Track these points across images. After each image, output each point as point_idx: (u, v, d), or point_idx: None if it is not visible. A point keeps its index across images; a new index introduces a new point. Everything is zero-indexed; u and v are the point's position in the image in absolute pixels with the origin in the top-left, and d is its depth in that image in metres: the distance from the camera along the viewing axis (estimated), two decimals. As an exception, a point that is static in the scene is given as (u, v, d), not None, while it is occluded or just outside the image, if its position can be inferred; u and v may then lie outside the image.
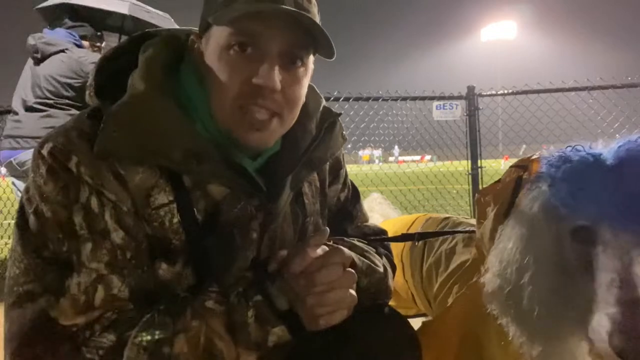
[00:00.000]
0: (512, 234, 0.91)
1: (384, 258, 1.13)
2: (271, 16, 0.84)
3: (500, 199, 1.03)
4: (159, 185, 0.85)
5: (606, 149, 0.84)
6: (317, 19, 0.89)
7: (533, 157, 1.02)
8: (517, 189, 0.99)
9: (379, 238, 1.18)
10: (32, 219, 0.81)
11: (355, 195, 1.22)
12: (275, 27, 0.85)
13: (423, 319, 1.38)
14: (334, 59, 0.91)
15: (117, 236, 0.81)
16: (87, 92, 0.92)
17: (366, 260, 1.02)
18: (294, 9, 0.84)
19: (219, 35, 0.87)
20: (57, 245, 0.79)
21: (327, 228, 0.92)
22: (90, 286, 0.78)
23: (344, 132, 1.12)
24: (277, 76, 0.86)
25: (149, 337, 0.76)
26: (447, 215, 1.62)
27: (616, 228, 0.76)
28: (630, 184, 0.76)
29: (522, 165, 1.04)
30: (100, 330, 0.77)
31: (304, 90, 0.94)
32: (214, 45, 0.88)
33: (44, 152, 0.81)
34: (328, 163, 1.11)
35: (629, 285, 0.73)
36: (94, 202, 0.81)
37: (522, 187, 0.97)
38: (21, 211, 0.83)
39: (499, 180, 1.13)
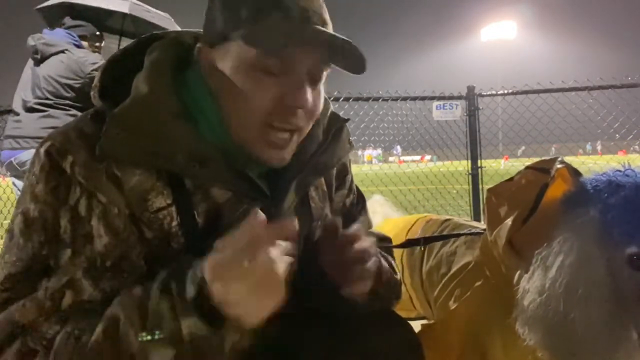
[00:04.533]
0: (556, 262, 0.87)
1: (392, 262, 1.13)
2: (310, 41, 0.83)
3: (520, 204, 1.00)
4: (156, 188, 0.84)
5: None
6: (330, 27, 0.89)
7: (558, 166, 1.00)
8: (541, 196, 0.97)
9: (385, 245, 1.17)
10: (18, 219, 0.80)
11: (360, 201, 1.21)
12: (310, 50, 0.84)
13: (423, 321, 1.38)
14: (363, 73, 0.89)
15: (100, 243, 0.79)
16: (92, 93, 0.91)
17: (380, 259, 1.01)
18: (337, 35, 0.83)
19: (242, 52, 0.83)
20: (38, 247, 0.77)
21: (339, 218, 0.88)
22: (57, 292, 0.76)
23: (350, 139, 1.11)
24: (309, 96, 0.86)
25: (80, 324, 0.74)
26: (448, 217, 1.62)
27: None
28: None
29: (542, 169, 1.03)
30: (52, 323, 0.75)
31: (322, 101, 0.94)
32: (236, 60, 0.84)
33: (42, 150, 0.81)
34: (335, 169, 1.10)
35: None
36: (82, 204, 0.79)
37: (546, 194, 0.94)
38: (14, 214, 0.82)
39: (511, 180, 1.11)
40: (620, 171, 0.88)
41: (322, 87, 0.92)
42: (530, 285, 0.91)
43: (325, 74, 0.90)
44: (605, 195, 0.85)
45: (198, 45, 0.91)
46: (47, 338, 0.75)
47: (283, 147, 0.89)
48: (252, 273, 0.68)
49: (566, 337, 0.85)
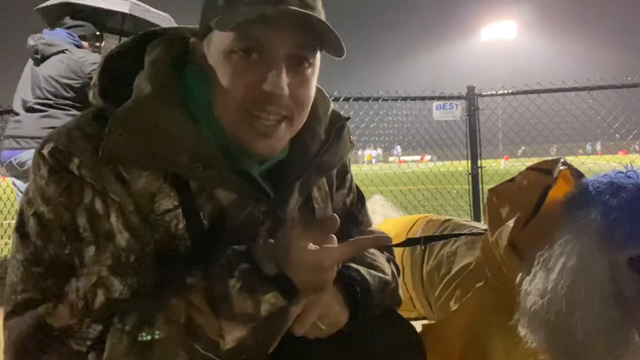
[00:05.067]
0: (557, 264, 0.87)
1: (391, 263, 1.12)
2: (277, 19, 0.80)
3: (522, 205, 0.99)
4: (163, 190, 0.83)
5: None
6: (323, 15, 0.86)
7: (560, 167, 0.99)
8: (543, 198, 0.96)
9: (385, 244, 1.17)
10: (32, 221, 0.79)
11: (360, 200, 1.21)
12: (281, 30, 0.81)
13: (424, 322, 1.37)
14: (343, 57, 0.86)
15: (122, 238, 0.79)
16: (90, 92, 0.90)
17: (377, 274, 1.01)
18: (300, 10, 0.80)
19: (221, 40, 0.83)
20: (59, 247, 0.77)
21: (336, 216, 0.85)
22: (89, 291, 0.76)
23: (351, 137, 1.10)
24: (284, 81, 0.82)
25: (130, 321, 0.74)
26: (448, 217, 1.62)
27: None
28: None
29: (545, 170, 1.02)
30: (89, 323, 0.75)
31: (312, 90, 0.91)
32: (216, 50, 0.84)
33: (45, 152, 0.79)
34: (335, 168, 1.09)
35: None
36: (98, 203, 0.78)
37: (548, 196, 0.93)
38: (21, 215, 0.81)
39: (512, 180, 1.10)
40: (622, 172, 0.87)
41: (311, 74, 0.88)
42: (532, 288, 0.90)
43: (312, 60, 0.87)
44: (607, 197, 0.84)
45: (192, 39, 0.91)
46: (91, 338, 0.74)
47: (269, 135, 0.86)
48: (320, 278, 0.79)
49: (568, 339, 0.84)
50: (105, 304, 0.76)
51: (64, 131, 0.82)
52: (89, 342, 0.74)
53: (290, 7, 0.80)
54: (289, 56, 0.83)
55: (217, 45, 0.84)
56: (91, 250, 0.77)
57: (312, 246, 0.78)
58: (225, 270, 0.77)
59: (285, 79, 0.83)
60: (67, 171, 0.78)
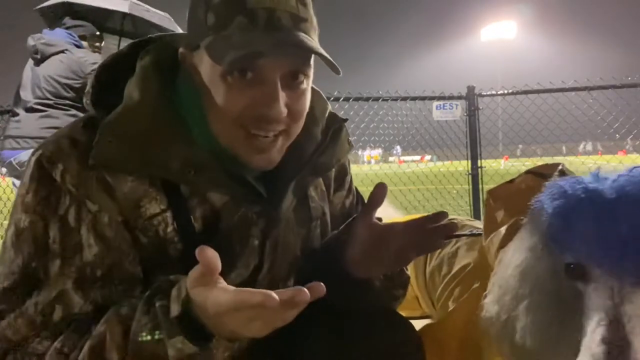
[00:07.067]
0: (512, 261, 0.88)
1: None
2: (270, 54, 0.78)
3: (517, 210, 0.98)
4: (149, 194, 0.83)
5: (609, 180, 0.78)
6: (314, 22, 0.84)
7: (557, 174, 0.98)
8: None
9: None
10: (10, 230, 0.80)
11: (360, 202, 1.20)
12: (275, 58, 0.79)
13: (428, 321, 1.37)
14: (340, 75, 0.85)
15: (90, 252, 0.78)
16: (84, 100, 0.90)
17: None
18: (294, 35, 0.78)
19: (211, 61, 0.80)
20: (27, 261, 0.77)
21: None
22: (47, 306, 0.76)
23: (350, 139, 1.09)
24: (282, 103, 0.81)
25: (67, 342, 0.74)
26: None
27: (606, 266, 0.73)
28: (623, 220, 0.72)
29: (542, 174, 1.00)
30: (45, 336, 0.75)
31: (308, 100, 0.89)
32: (209, 67, 0.81)
33: (33, 159, 0.81)
34: (334, 169, 1.09)
35: (617, 325, 0.69)
36: (71, 214, 0.78)
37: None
38: (7, 224, 0.82)
39: (511, 182, 1.09)
40: (582, 178, 0.86)
41: (307, 85, 0.87)
42: (494, 281, 0.91)
43: (307, 71, 0.85)
44: (549, 202, 0.82)
45: (180, 50, 0.88)
46: (38, 354, 0.75)
47: (266, 150, 0.85)
48: (247, 327, 0.66)
49: (512, 335, 0.84)
50: (63, 319, 0.76)
51: (54, 139, 0.83)
52: (34, 358, 0.75)
53: (283, 34, 0.78)
54: (284, 74, 0.82)
55: (209, 64, 0.81)
56: (57, 263, 0.77)
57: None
58: (145, 304, 0.72)
59: (282, 98, 0.81)
60: (49, 178, 0.79)
